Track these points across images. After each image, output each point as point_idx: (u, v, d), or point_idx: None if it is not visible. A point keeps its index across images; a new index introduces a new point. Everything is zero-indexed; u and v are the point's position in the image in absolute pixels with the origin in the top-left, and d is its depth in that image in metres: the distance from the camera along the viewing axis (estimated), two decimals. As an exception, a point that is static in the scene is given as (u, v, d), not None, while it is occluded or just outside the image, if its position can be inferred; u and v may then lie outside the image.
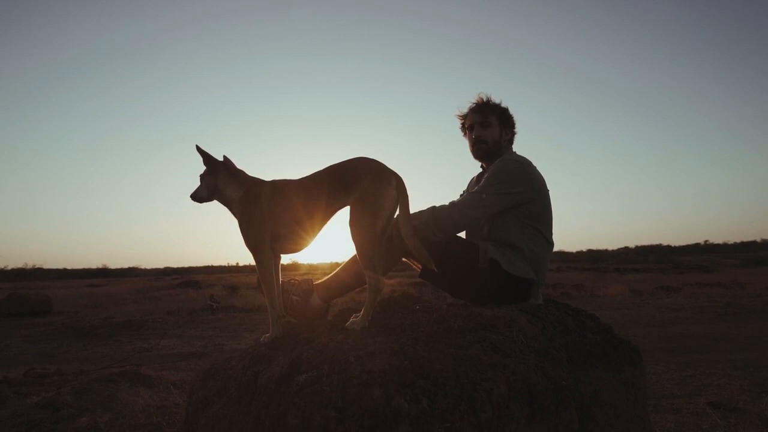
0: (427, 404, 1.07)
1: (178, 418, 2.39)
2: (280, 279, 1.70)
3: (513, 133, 2.14)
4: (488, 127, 2.06)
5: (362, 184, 1.50)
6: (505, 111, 2.10)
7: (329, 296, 1.86)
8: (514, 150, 2.13)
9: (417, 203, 1.76)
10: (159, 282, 19.44)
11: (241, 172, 1.68)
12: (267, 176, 1.70)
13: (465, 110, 2.15)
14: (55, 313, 9.36)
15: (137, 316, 8.09)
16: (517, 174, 1.90)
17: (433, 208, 1.89)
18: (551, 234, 1.99)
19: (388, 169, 1.55)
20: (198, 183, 1.72)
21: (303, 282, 1.86)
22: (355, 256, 1.74)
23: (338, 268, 1.88)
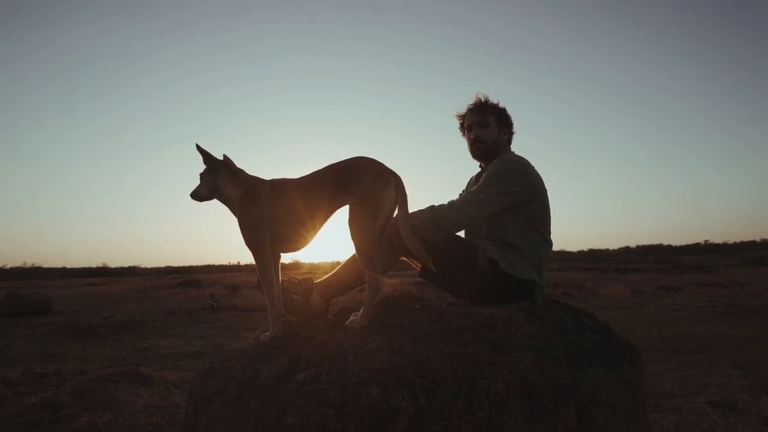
0: (425, 402, 1.07)
1: (178, 418, 2.39)
2: (280, 278, 1.71)
3: (511, 133, 2.14)
4: (486, 127, 2.07)
5: (362, 184, 1.50)
6: (503, 111, 2.11)
7: (329, 295, 1.86)
8: (512, 150, 2.13)
9: (416, 203, 1.76)
10: (159, 281, 19.44)
11: (241, 171, 1.69)
12: (267, 175, 1.71)
13: (463, 110, 2.15)
14: (55, 312, 9.36)
15: (137, 315, 8.09)
16: (515, 174, 1.91)
17: (432, 207, 1.89)
18: (550, 233, 1.99)
19: (387, 168, 1.55)
20: (198, 182, 1.72)
21: (303, 281, 1.86)
22: (354, 255, 1.74)
23: (338, 267, 1.88)
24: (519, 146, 2.18)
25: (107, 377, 3.12)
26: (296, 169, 1.70)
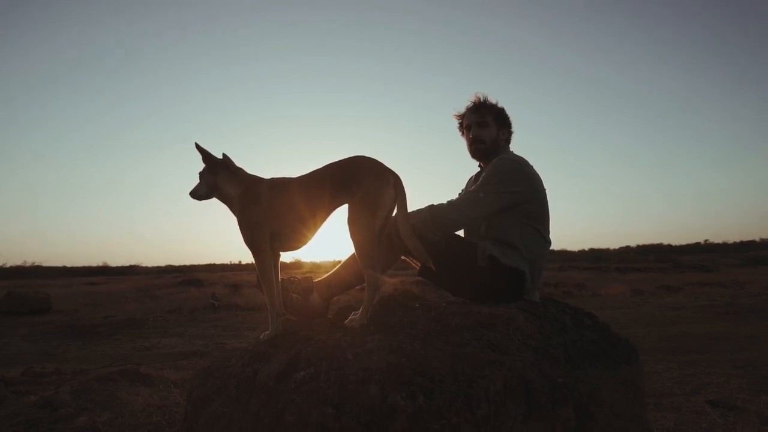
0: (424, 401, 1.07)
1: (178, 417, 2.39)
2: (280, 277, 1.71)
3: (510, 133, 2.14)
4: (485, 127, 2.07)
5: (361, 183, 1.50)
6: (502, 111, 2.11)
7: (329, 294, 1.86)
8: (511, 150, 2.13)
9: (416, 202, 1.76)
10: (160, 280, 19.44)
11: (240, 170, 1.69)
12: (266, 175, 1.70)
13: (462, 110, 2.16)
14: (55, 311, 9.36)
15: (138, 314, 8.09)
16: (514, 173, 1.91)
17: (432, 206, 1.89)
18: (548, 233, 1.99)
19: (387, 168, 1.55)
20: (197, 181, 1.71)
21: (303, 280, 1.86)
22: (354, 254, 1.74)
23: (338, 266, 1.88)
24: (518, 146, 2.18)
25: (107, 376, 3.12)
26: (296, 169, 1.70)
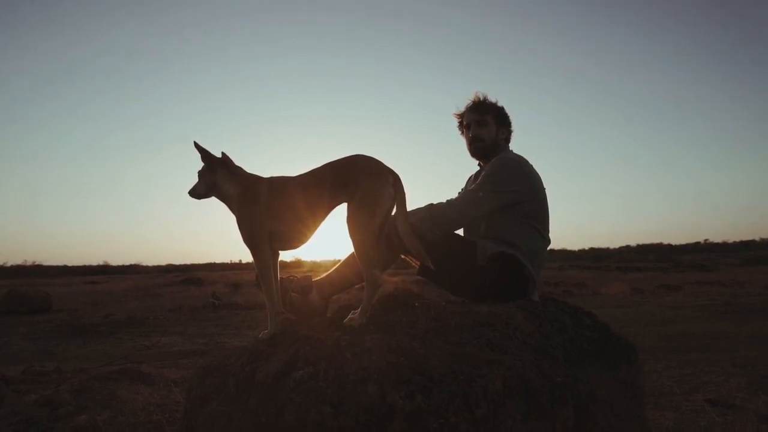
0: (422, 400, 1.07)
1: (178, 416, 2.39)
2: (279, 276, 1.71)
3: (509, 132, 2.14)
4: (485, 126, 2.07)
5: (360, 182, 1.50)
6: (502, 110, 2.11)
7: (328, 293, 1.87)
8: (511, 149, 2.13)
9: (415, 201, 1.76)
10: (161, 279, 19.44)
11: (239, 169, 1.68)
12: (265, 174, 1.70)
13: (462, 109, 2.15)
14: (55, 310, 9.36)
15: (138, 313, 8.10)
16: (513, 172, 1.91)
17: (431, 205, 1.89)
18: (548, 231, 1.99)
19: (386, 166, 1.55)
20: (197, 180, 1.71)
21: (302, 279, 1.86)
22: (353, 253, 1.74)
23: (337, 265, 1.88)
24: (518, 145, 2.18)
25: (107, 375, 3.13)
26: (295, 168, 1.70)
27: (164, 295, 12.10)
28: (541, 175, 2.01)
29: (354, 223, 1.49)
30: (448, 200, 1.93)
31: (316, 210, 1.58)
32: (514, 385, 1.16)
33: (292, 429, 1.08)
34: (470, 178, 2.22)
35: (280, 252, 1.67)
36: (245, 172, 1.69)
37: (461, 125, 2.17)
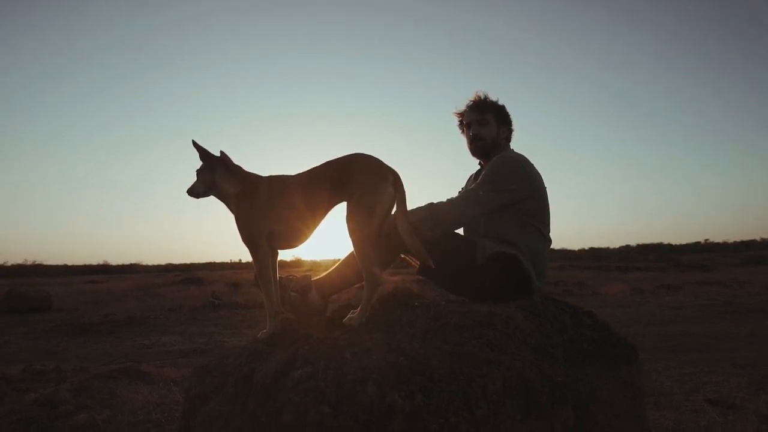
0: (422, 400, 1.07)
1: (177, 416, 2.39)
2: (278, 275, 1.70)
3: (510, 131, 2.14)
4: (485, 124, 2.06)
5: (360, 181, 1.50)
6: (502, 109, 2.10)
7: (327, 292, 1.86)
8: (511, 148, 2.13)
9: (415, 200, 1.76)
10: (161, 278, 19.43)
11: (238, 168, 1.68)
12: (264, 172, 1.70)
13: (462, 108, 2.15)
14: (55, 309, 9.36)
15: (138, 312, 8.10)
16: (514, 171, 1.91)
17: (431, 204, 1.89)
18: (549, 231, 1.99)
19: (386, 165, 1.55)
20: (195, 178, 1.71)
21: (301, 278, 1.86)
22: (352, 252, 1.74)
23: (336, 265, 1.88)
24: (518, 144, 2.17)
25: (107, 374, 3.13)
26: (294, 167, 1.69)
27: (164, 294, 12.10)
28: (541, 175, 2.01)
29: (353, 222, 1.48)
30: (448, 199, 1.93)
31: (315, 209, 1.57)
32: (514, 385, 1.16)
33: (291, 429, 1.07)
34: (470, 177, 2.22)
35: (279, 251, 1.67)
36: (244, 170, 1.68)
37: (462, 124, 2.17)
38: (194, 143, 1.67)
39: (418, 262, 1.79)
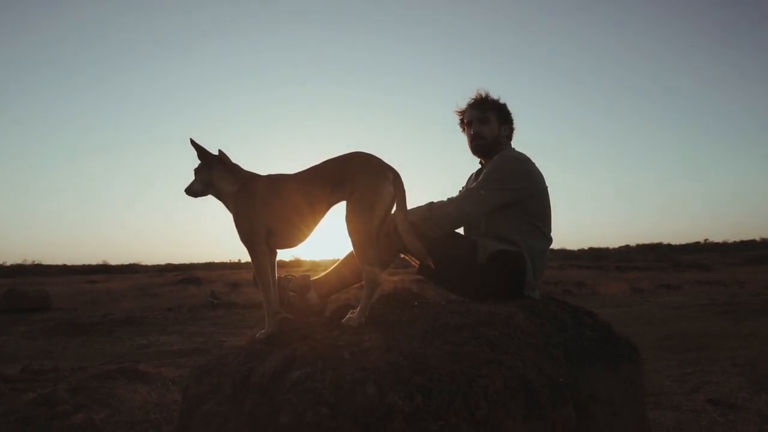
0: (422, 401, 1.06)
1: (175, 415, 2.38)
2: (277, 275, 1.69)
3: (511, 130, 2.12)
4: (487, 123, 2.05)
5: (359, 180, 1.48)
6: (504, 107, 2.09)
7: (326, 292, 1.85)
8: (512, 146, 2.11)
9: (415, 199, 1.74)
10: (160, 278, 19.41)
11: (236, 167, 1.67)
12: (263, 171, 1.69)
13: (463, 106, 2.14)
14: (54, 309, 9.35)
15: (137, 312, 8.09)
16: (515, 170, 1.90)
17: (431, 203, 1.88)
18: (550, 230, 1.98)
19: (385, 164, 1.53)
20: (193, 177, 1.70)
21: (300, 278, 1.85)
22: (352, 252, 1.73)
23: (335, 264, 1.87)
24: (520, 143, 2.16)
25: (105, 374, 3.12)
26: (293, 166, 1.68)
27: (163, 294, 12.09)
28: (542, 174, 2.00)
29: (353, 221, 1.47)
30: (449, 198, 1.92)
31: (314, 208, 1.56)
32: (514, 386, 1.15)
33: (289, 430, 1.06)
34: (471, 176, 2.21)
35: (277, 251, 1.65)
36: (242, 169, 1.67)
37: (462, 122, 2.15)
38: (192, 142, 1.66)
39: (418, 262, 1.78)
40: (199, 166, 1.68)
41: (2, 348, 5.54)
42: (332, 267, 1.87)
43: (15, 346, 5.66)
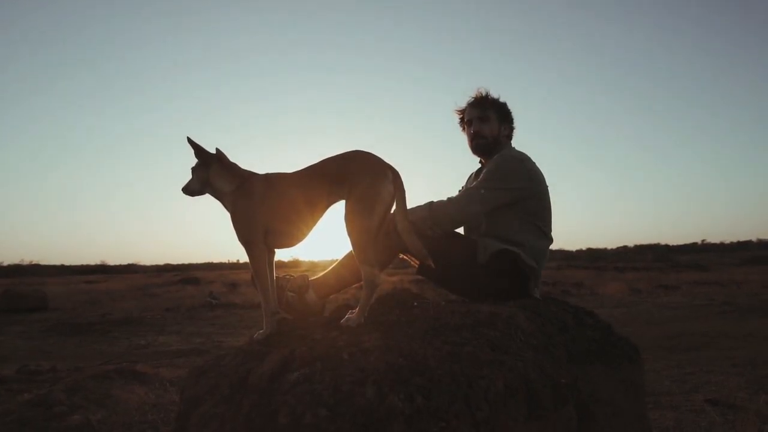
0: (422, 402, 1.05)
1: (173, 416, 2.36)
2: (275, 275, 1.68)
3: (512, 129, 2.12)
4: (487, 122, 2.04)
5: (358, 179, 1.47)
6: (504, 106, 2.08)
7: (325, 292, 1.84)
8: (513, 145, 2.11)
9: (415, 199, 1.73)
10: (158, 278, 19.37)
11: (234, 165, 1.65)
12: (261, 170, 1.67)
13: (463, 105, 2.13)
14: (52, 309, 9.32)
15: (135, 312, 8.07)
16: (516, 170, 1.89)
17: (431, 203, 1.87)
18: (550, 230, 1.97)
19: (385, 162, 1.52)
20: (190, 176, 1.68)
21: (299, 278, 1.84)
22: (350, 252, 1.71)
23: (334, 264, 1.86)
24: (519, 143, 2.16)
25: (102, 374, 3.10)
26: (292, 164, 1.67)
27: (161, 294, 12.06)
28: (542, 173, 1.99)
29: (352, 220, 1.46)
30: (449, 198, 1.91)
31: (313, 207, 1.55)
32: (515, 386, 1.14)
33: (288, 432, 1.05)
34: (471, 175, 2.20)
35: (276, 250, 1.64)
36: (240, 168, 1.65)
37: (462, 121, 2.14)
38: (189, 140, 1.64)
39: (418, 262, 1.77)
40: (197, 164, 1.67)
41: (-1, 348, 5.51)
42: (331, 267, 1.86)
43: (12, 346, 5.64)
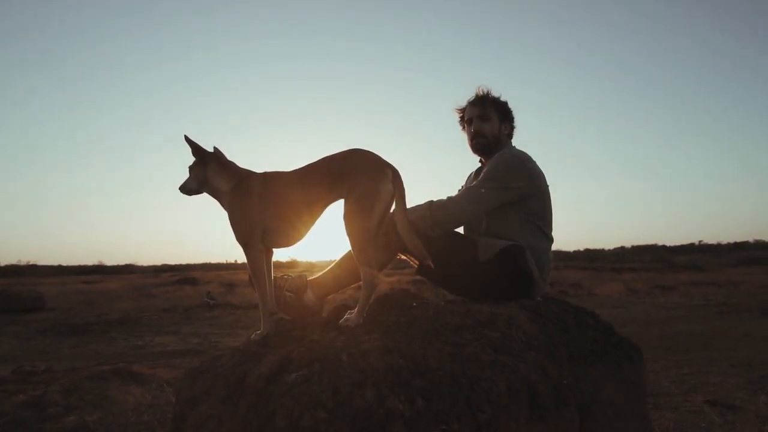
0: (423, 405, 1.03)
1: (169, 417, 2.34)
2: (273, 274, 1.66)
3: (512, 128, 2.10)
4: (487, 121, 2.03)
5: (358, 178, 1.46)
6: (505, 105, 2.07)
7: (324, 293, 1.82)
8: (513, 145, 2.09)
9: (414, 198, 1.72)
10: (156, 279, 19.33)
11: (231, 164, 1.64)
12: (260, 169, 1.66)
13: (463, 104, 2.11)
14: (49, 309, 9.28)
15: (132, 313, 8.05)
16: (516, 169, 1.87)
17: (431, 202, 1.86)
18: (551, 230, 1.96)
19: (385, 161, 1.51)
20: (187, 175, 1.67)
21: (297, 278, 1.82)
22: (350, 251, 1.70)
23: (333, 264, 1.84)
24: (519, 142, 2.14)
25: (99, 375, 3.08)
26: (292, 163, 1.65)
27: (159, 294, 12.02)
28: (543, 172, 1.98)
29: (351, 220, 1.44)
30: (448, 197, 1.89)
31: (311, 206, 1.53)
32: (517, 388, 1.12)
33: (286, 434, 1.03)
34: (471, 175, 2.18)
35: (273, 250, 1.62)
36: (237, 166, 1.63)
37: (462, 120, 2.13)
38: (186, 138, 1.63)
39: (417, 262, 1.75)
40: (194, 163, 1.65)
41: (-5, 349, 5.47)
42: (329, 267, 1.85)
43: (8, 346, 5.60)
